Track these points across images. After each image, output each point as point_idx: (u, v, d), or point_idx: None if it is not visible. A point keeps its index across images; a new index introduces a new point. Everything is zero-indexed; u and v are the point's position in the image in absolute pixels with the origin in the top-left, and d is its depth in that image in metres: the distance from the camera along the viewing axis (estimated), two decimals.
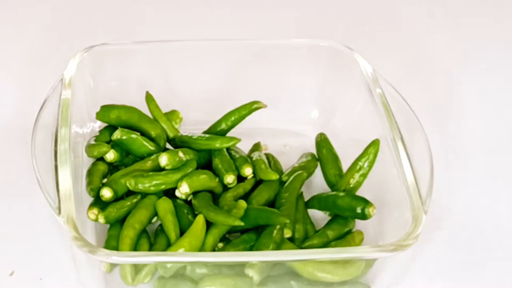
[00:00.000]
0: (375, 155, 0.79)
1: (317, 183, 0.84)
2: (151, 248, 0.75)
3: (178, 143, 0.82)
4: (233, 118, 0.84)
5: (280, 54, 0.88)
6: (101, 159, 0.81)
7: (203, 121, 0.85)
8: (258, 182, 0.80)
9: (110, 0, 1.07)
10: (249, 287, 0.71)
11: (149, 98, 0.84)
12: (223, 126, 0.84)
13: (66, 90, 0.77)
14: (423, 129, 0.78)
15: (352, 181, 0.79)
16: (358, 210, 0.75)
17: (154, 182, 0.76)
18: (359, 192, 0.79)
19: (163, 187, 0.77)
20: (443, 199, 0.81)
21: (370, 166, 0.79)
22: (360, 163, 0.79)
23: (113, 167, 0.82)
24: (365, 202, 0.75)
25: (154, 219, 0.77)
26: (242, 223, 0.73)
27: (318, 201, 0.80)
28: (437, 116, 0.95)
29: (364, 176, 0.79)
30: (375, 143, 0.78)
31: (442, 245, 0.81)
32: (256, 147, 0.86)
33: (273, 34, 1.00)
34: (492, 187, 0.88)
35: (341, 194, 0.78)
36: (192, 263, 0.70)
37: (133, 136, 0.80)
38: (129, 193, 0.78)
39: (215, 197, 0.78)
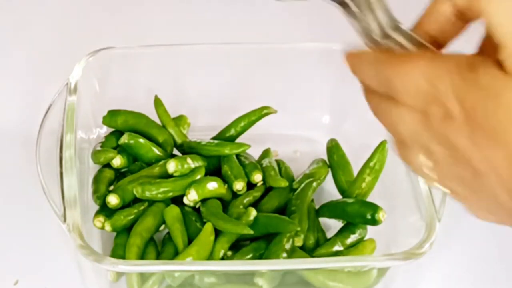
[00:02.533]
0: (384, 156, 0.78)
1: (329, 190, 0.83)
2: (158, 256, 0.74)
3: (186, 149, 0.82)
4: (242, 124, 0.83)
5: (291, 58, 0.88)
6: (107, 165, 0.80)
7: (212, 126, 0.85)
8: (268, 189, 0.80)
9: (116, 3, 1.06)
10: None
11: (157, 103, 0.84)
12: (233, 132, 0.83)
13: (72, 95, 0.77)
14: None
15: (364, 185, 0.78)
16: (368, 216, 0.75)
17: (162, 189, 0.76)
18: (370, 199, 0.78)
19: (170, 194, 0.76)
20: (457, 205, 0.80)
21: (381, 168, 0.78)
22: (370, 164, 0.78)
23: (119, 174, 0.81)
24: (375, 207, 0.75)
25: (162, 227, 0.76)
26: (251, 231, 0.73)
27: (328, 209, 0.79)
28: None
29: (376, 178, 0.78)
30: (382, 144, 0.78)
31: (456, 253, 0.80)
32: (266, 153, 0.85)
33: (285, 38, 1.00)
34: None
35: (350, 200, 0.77)
36: (201, 272, 0.70)
37: (141, 140, 0.80)
38: (136, 200, 0.77)
39: (224, 205, 0.78)
